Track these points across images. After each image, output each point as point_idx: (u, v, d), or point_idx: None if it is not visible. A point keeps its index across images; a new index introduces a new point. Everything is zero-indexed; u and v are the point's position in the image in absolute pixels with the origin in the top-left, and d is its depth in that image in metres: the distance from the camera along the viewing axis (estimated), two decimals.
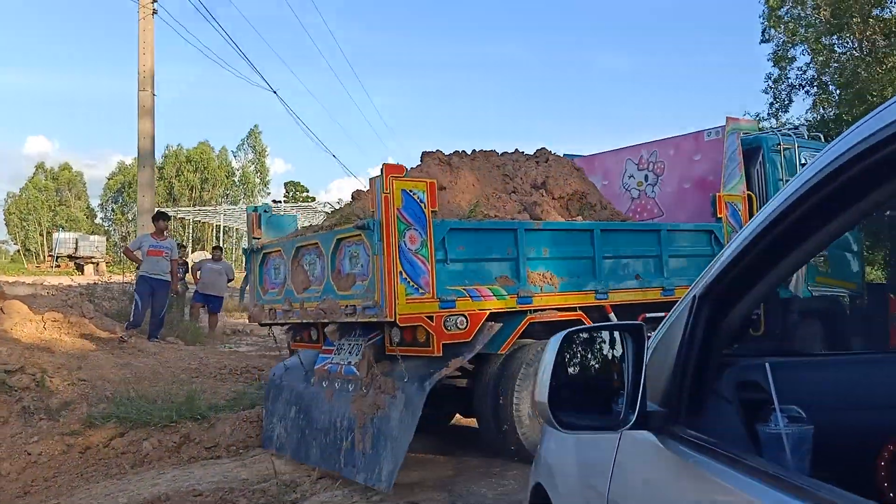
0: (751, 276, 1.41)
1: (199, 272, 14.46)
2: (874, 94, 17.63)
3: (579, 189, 7.42)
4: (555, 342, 1.52)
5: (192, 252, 35.83)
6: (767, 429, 1.44)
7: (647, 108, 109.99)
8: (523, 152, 7.74)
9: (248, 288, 7.22)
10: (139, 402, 6.99)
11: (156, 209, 12.47)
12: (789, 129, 9.69)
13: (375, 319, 5.23)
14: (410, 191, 5.28)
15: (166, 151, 62.36)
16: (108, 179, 69.78)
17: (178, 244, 12.76)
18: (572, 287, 6.12)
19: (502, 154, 7.55)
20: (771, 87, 22.90)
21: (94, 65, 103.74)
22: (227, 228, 49.33)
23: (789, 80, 22.40)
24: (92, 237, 48.74)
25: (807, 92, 22.33)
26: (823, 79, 21.61)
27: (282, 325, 6.72)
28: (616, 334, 1.53)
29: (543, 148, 7.80)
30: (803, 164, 7.78)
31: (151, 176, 14.23)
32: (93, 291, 12.66)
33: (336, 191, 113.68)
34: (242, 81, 54.71)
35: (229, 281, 15.05)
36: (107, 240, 53.00)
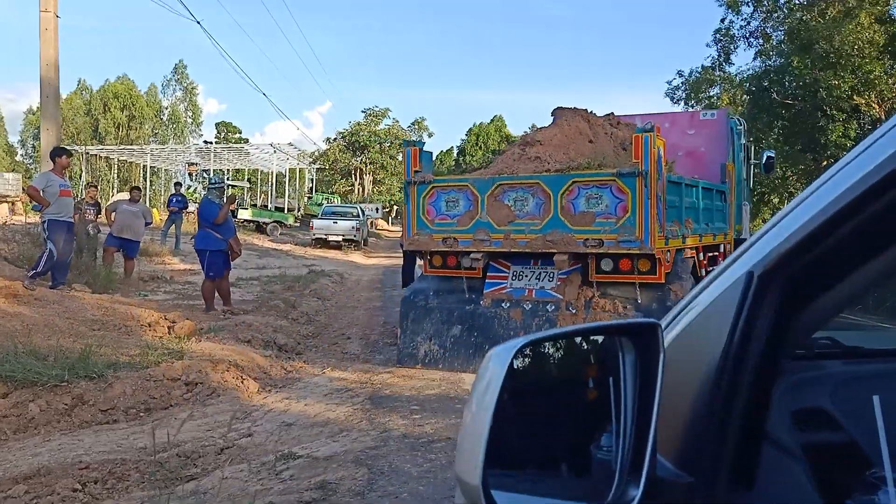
0: (863, 247, 0.81)
1: (113, 213, 13.33)
2: (820, 43, 17.53)
3: None
4: (500, 360, 0.86)
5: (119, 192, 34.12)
6: None
7: (582, 59, 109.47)
8: (595, 113, 8.77)
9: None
10: (26, 359, 6.19)
11: (54, 146, 11.36)
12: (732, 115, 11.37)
13: (637, 252, 6.59)
14: (657, 146, 6.56)
15: (80, 85, 59.22)
16: (29, 115, 66.09)
17: (90, 183, 11.71)
18: (695, 231, 7.85)
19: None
20: (718, 40, 22.75)
21: None
22: (155, 169, 47.22)
23: (732, 33, 22.29)
24: (7, 174, 45.85)
25: (750, 44, 22.24)
26: (766, 28, 21.53)
27: (466, 253, 7.41)
28: (597, 342, 0.88)
29: (612, 113, 8.92)
30: (742, 144, 10.46)
31: (56, 107, 12.95)
32: None
33: (272, 133, 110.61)
34: (176, 18, 51.40)
35: (147, 224, 14.02)
36: (24, 178, 50.15)
